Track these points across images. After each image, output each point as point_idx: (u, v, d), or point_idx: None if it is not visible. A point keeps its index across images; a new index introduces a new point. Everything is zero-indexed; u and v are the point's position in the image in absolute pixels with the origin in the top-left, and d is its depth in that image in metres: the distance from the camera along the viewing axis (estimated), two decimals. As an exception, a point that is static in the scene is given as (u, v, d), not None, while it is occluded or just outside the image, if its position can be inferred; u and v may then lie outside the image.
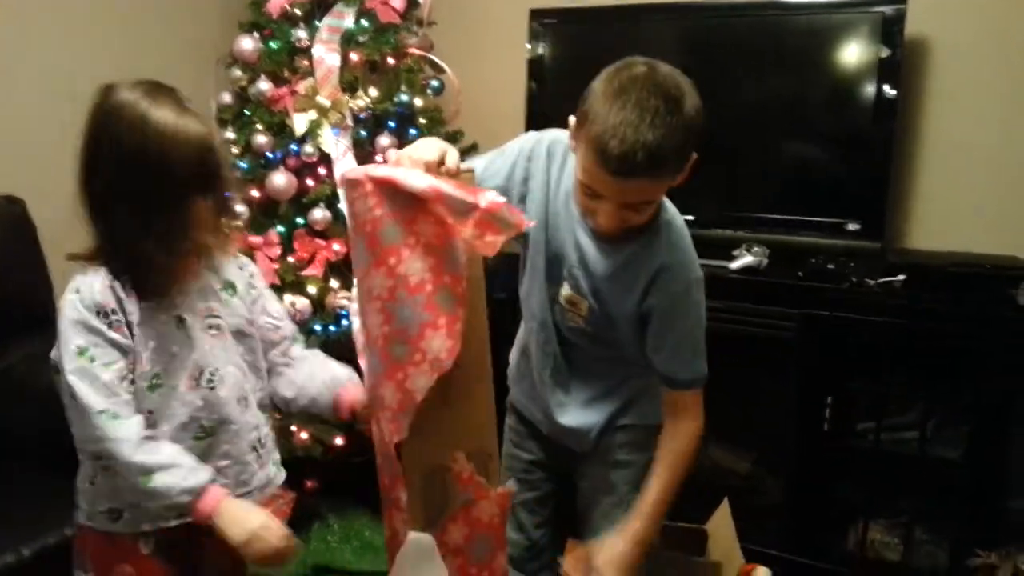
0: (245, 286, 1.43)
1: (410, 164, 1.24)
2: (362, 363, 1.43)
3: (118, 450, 1.21)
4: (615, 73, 1.29)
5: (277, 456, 1.51)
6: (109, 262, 1.25)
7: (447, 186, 1.19)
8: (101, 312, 1.22)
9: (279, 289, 2.37)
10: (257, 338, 1.43)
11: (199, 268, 1.35)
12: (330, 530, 2.41)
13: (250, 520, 1.27)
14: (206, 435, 1.34)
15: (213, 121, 1.26)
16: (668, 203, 1.43)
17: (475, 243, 1.20)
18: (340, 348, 2.33)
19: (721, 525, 2.03)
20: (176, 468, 1.24)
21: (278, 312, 1.50)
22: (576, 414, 1.57)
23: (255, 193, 2.41)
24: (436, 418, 1.27)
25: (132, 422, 1.23)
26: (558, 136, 1.47)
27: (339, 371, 1.48)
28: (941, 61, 2.31)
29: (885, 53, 2.16)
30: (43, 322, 2.16)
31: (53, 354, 1.26)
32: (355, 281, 1.34)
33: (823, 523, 2.20)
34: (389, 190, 1.19)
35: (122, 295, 1.24)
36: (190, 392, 1.31)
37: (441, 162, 1.25)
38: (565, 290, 1.48)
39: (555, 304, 1.52)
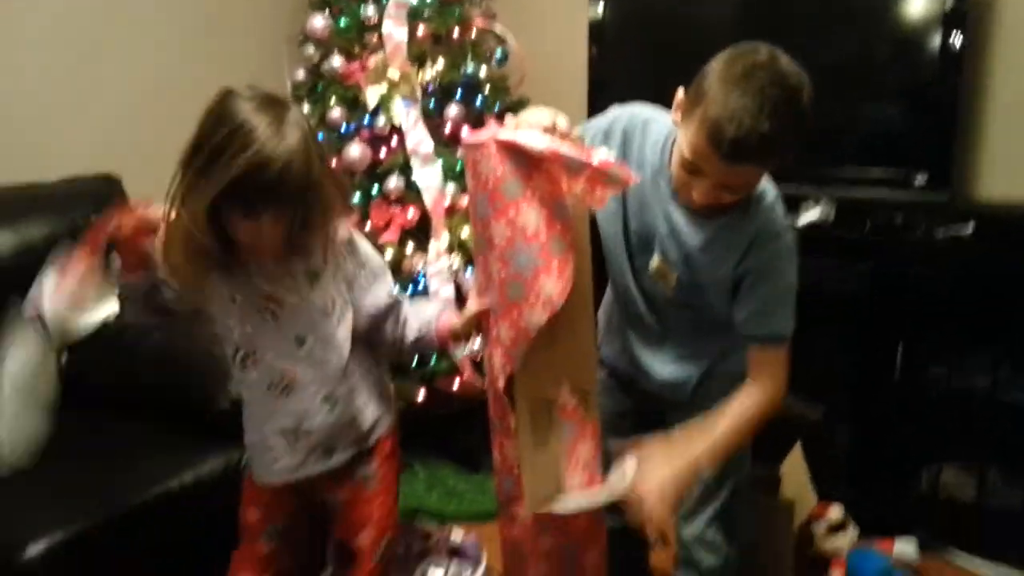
0: (339, 274, 1.45)
1: (527, 128, 1.32)
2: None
3: None
4: (737, 57, 1.31)
5: (339, 449, 1.51)
6: None
7: (564, 147, 1.29)
8: None
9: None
10: (339, 326, 1.46)
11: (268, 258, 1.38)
12: (416, 478, 2.55)
13: None
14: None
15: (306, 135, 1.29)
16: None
17: (586, 197, 1.31)
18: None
19: (794, 468, 2.10)
20: None
21: (387, 294, 1.52)
22: (671, 368, 1.63)
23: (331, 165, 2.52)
24: (544, 355, 1.39)
25: None
26: (636, 113, 1.52)
27: (430, 310, 1.55)
28: (1007, 11, 2.29)
29: (950, 4, 2.16)
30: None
31: None
32: (474, 233, 1.46)
33: (895, 466, 2.24)
34: (511, 151, 1.30)
35: None
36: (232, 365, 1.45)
37: (554, 127, 1.32)
38: (655, 262, 1.53)
39: (642, 274, 1.58)
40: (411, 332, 1.53)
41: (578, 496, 1.46)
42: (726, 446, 1.45)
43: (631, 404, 1.74)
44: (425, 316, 1.53)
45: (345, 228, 1.45)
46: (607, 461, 1.51)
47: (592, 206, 1.34)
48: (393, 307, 1.52)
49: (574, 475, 1.46)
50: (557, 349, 1.41)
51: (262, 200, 1.26)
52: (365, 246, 1.51)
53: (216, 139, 1.23)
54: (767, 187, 1.45)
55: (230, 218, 1.28)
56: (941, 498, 2.21)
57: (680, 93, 1.38)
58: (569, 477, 1.46)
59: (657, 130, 1.49)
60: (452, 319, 1.50)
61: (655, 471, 1.39)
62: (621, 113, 1.55)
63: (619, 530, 1.59)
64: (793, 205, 2.28)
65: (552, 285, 1.33)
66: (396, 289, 1.56)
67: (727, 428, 1.45)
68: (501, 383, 1.40)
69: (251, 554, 1.54)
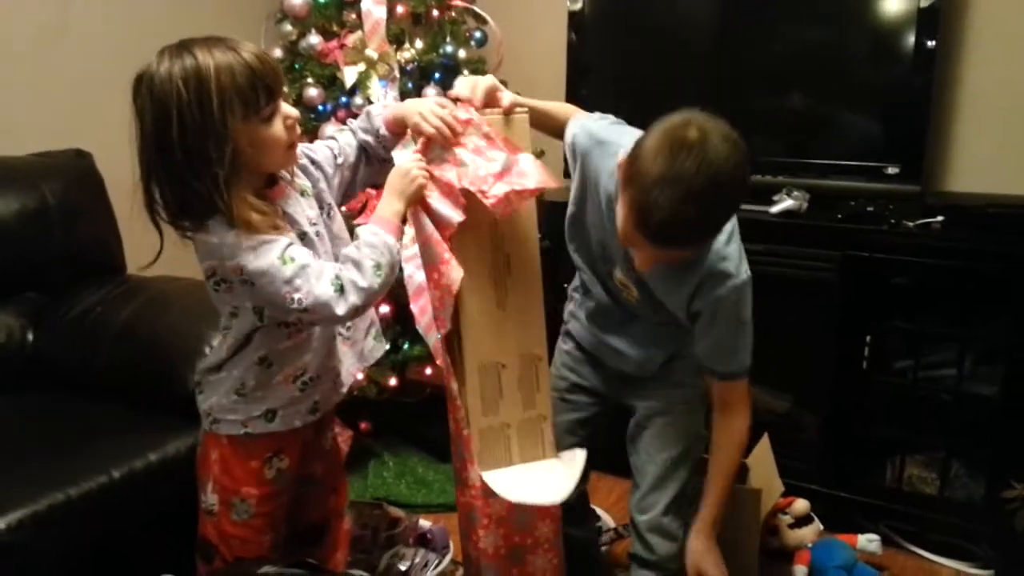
0: (310, 177, 1.47)
1: (432, 118, 1.42)
2: (414, 307, 1.58)
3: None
4: (668, 134, 1.28)
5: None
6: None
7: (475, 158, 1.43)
8: None
9: (332, 238, 2.47)
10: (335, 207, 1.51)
11: (284, 187, 1.39)
12: (385, 467, 2.54)
13: None
14: None
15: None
16: None
17: (505, 202, 1.41)
18: (392, 293, 2.44)
19: (761, 459, 2.11)
20: None
21: (331, 147, 1.53)
22: (639, 350, 1.66)
23: (307, 144, 2.50)
24: (492, 319, 1.51)
25: None
26: (593, 132, 1.54)
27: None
28: (979, 11, 2.32)
29: (925, 3, 2.17)
30: (113, 271, 2.29)
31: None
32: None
33: (861, 458, 2.26)
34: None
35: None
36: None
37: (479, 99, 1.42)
38: (617, 274, 1.57)
39: (607, 277, 1.61)
40: (359, 133, 1.55)
41: (525, 470, 1.53)
42: (726, 492, 1.62)
43: (596, 381, 1.76)
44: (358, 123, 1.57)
45: None
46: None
47: (515, 207, 1.44)
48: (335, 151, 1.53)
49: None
50: (504, 314, 1.51)
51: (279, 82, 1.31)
52: None
53: (203, 88, 1.24)
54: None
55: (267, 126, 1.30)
56: (905, 490, 2.23)
57: (622, 155, 1.37)
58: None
59: (613, 161, 1.45)
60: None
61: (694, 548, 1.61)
62: (584, 133, 1.55)
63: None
64: (767, 195, 2.29)
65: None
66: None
67: (724, 485, 1.60)
68: (436, 343, 1.51)
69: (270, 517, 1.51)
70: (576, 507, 1.83)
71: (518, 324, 1.52)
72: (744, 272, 1.45)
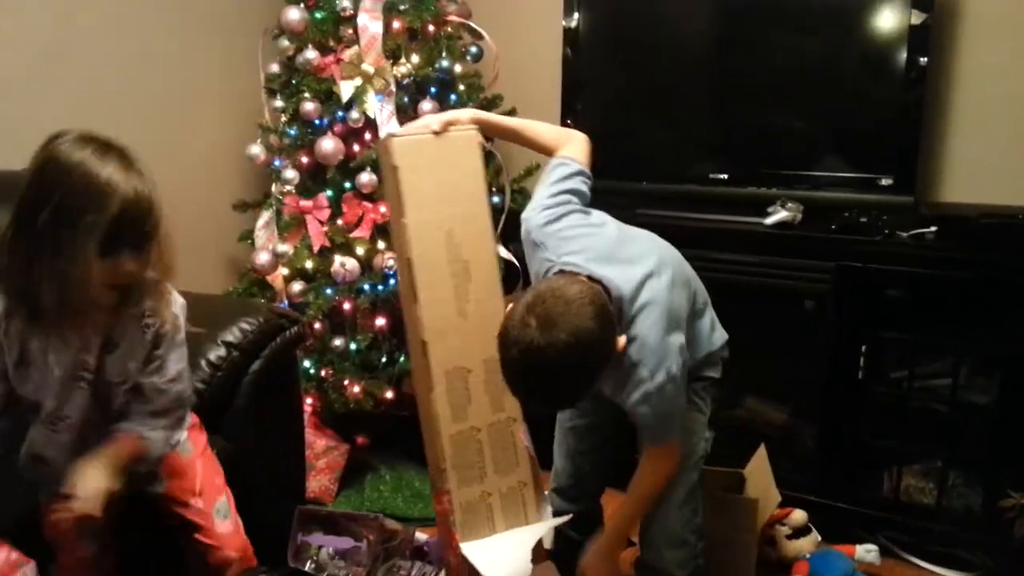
0: (134, 347, 1.48)
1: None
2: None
3: None
4: (500, 351, 1.39)
5: None
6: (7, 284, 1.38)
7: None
8: None
9: (328, 251, 2.48)
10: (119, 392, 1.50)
11: (89, 317, 1.42)
12: (382, 480, 2.54)
13: None
14: None
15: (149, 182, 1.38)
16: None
17: None
18: (388, 306, 2.46)
19: (758, 470, 2.11)
20: None
21: (172, 375, 1.53)
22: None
23: (304, 159, 2.51)
24: (454, 326, 1.59)
25: None
26: (531, 229, 1.58)
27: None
28: (972, 23, 2.34)
29: (917, 19, 2.19)
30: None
31: None
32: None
33: (858, 469, 2.26)
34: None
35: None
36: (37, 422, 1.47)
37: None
38: None
39: None
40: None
41: (506, 539, 1.59)
42: (636, 512, 1.67)
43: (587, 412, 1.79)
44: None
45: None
46: None
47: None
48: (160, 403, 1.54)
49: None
50: (467, 323, 1.58)
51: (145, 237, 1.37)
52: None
53: (72, 189, 1.30)
54: (640, 327, 1.47)
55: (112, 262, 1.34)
56: (903, 500, 2.23)
57: (508, 308, 1.44)
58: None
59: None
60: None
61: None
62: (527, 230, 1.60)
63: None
64: (762, 207, 2.30)
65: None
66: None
67: (636, 506, 1.66)
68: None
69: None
70: (588, 515, 1.84)
71: (480, 330, 1.56)
72: (661, 374, 1.47)
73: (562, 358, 1.33)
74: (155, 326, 1.48)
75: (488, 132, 1.75)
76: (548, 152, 1.68)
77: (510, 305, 1.44)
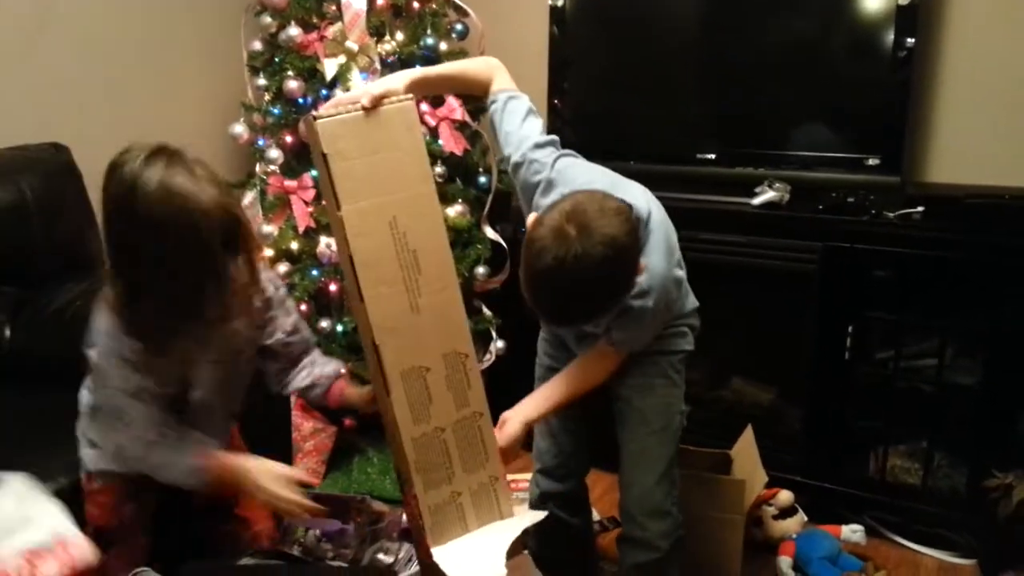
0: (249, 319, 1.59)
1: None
2: None
3: None
4: (530, 260, 1.35)
5: None
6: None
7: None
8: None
9: (314, 232, 2.46)
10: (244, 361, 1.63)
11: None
12: (369, 463, 2.54)
13: None
14: None
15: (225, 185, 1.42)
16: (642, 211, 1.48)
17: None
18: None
19: (745, 450, 2.12)
20: None
21: (290, 327, 1.67)
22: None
23: (288, 138, 2.48)
24: (407, 323, 1.45)
25: None
26: (539, 169, 1.55)
27: (329, 368, 1.73)
28: (960, 4, 2.33)
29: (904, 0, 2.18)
30: (92, 264, 2.26)
31: None
32: None
33: (844, 450, 2.27)
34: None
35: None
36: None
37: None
38: None
39: None
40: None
41: (480, 536, 1.52)
42: (561, 396, 1.62)
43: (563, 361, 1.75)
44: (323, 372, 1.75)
45: None
46: None
47: None
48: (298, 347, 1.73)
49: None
50: (420, 318, 1.46)
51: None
52: None
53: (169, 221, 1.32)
54: (652, 272, 1.47)
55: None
56: (888, 481, 2.24)
57: (531, 219, 1.42)
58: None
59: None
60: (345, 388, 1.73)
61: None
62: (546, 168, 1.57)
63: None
64: (749, 187, 2.29)
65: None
66: None
67: (563, 391, 1.62)
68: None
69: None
70: (573, 496, 1.84)
71: (436, 324, 1.47)
72: (657, 299, 1.48)
73: (598, 268, 1.31)
74: (261, 294, 1.58)
75: (427, 91, 1.72)
76: (484, 88, 1.64)
77: (532, 216, 1.41)
